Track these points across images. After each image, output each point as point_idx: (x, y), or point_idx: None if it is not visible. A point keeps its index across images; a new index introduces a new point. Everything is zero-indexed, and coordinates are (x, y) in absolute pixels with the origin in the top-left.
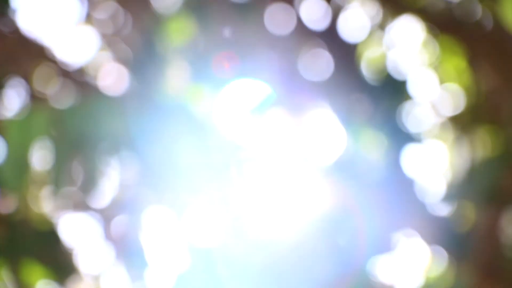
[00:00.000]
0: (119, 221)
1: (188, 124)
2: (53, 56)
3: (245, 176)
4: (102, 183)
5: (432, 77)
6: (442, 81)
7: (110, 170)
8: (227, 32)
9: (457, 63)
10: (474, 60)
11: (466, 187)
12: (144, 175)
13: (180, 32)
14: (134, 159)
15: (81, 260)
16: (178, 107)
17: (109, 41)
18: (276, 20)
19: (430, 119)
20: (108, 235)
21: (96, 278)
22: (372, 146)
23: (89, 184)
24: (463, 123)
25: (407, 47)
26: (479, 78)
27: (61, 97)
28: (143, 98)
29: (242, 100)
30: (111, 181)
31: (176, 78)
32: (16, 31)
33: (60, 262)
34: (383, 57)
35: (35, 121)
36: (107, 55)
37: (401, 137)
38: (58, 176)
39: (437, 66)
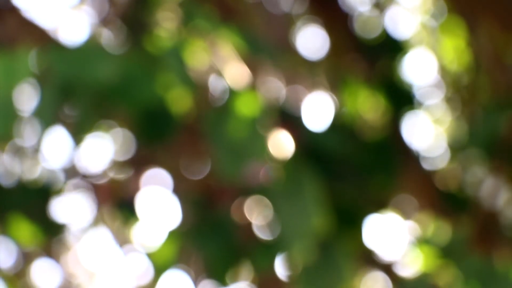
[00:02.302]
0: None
1: (179, 73)
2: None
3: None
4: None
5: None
6: (441, 61)
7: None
8: None
9: (457, 42)
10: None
11: (465, 141)
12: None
13: None
14: (124, 108)
15: (70, 218)
16: (169, 55)
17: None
18: None
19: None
20: (98, 192)
21: (85, 236)
22: (369, 106)
23: (78, 133)
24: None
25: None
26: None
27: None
28: (133, 46)
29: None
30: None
31: (167, 27)
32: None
33: (48, 219)
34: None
35: (20, 61)
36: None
37: (399, 97)
38: (46, 123)
39: (435, 46)
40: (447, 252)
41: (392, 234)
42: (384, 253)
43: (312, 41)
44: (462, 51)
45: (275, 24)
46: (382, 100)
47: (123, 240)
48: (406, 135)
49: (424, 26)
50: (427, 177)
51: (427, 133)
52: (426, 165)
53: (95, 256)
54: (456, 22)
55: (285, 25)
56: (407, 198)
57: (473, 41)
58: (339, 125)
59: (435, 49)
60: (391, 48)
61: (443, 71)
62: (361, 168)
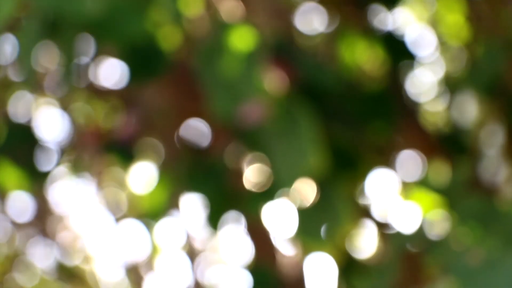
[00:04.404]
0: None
1: (169, 7)
2: None
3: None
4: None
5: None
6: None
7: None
8: None
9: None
10: None
11: (466, 80)
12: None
13: None
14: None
15: (58, 161)
16: None
17: None
18: None
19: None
20: (86, 134)
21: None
22: (368, 58)
23: (64, 74)
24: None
25: None
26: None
27: None
28: None
29: None
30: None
31: None
32: None
33: (36, 164)
34: None
35: None
36: None
37: (398, 49)
38: (28, 62)
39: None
40: (446, 195)
41: (388, 186)
42: (379, 205)
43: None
44: (461, 26)
45: None
46: (380, 52)
47: (115, 206)
48: (404, 85)
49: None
50: (425, 124)
51: (425, 82)
52: (423, 112)
53: (88, 226)
54: None
55: None
56: (405, 145)
57: (473, 16)
58: (337, 72)
59: (434, 24)
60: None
61: (443, 46)
62: (359, 114)
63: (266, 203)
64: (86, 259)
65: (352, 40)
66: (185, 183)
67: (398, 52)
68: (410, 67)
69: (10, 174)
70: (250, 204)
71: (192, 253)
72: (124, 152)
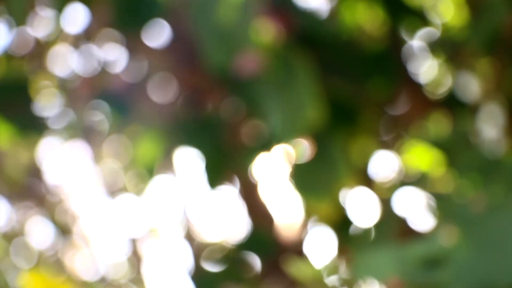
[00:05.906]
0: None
1: None
2: None
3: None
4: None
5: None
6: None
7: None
8: None
9: None
10: None
11: (467, 36)
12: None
13: None
14: None
15: (51, 117)
16: None
17: None
18: None
19: None
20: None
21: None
22: (368, 18)
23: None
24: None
25: None
26: None
27: None
28: None
29: None
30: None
31: None
32: None
33: (30, 121)
34: None
35: None
36: None
37: (398, 9)
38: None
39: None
40: (446, 149)
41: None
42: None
43: None
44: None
45: None
46: (380, 12)
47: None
48: (404, 46)
49: None
50: (424, 83)
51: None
52: (423, 72)
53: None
54: None
55: None
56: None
57: None
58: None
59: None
60: None
61: (444, 28)
62: (358, 70)
63: (262, 156)
64: (84, 238)
65: (353, 0)
66: (180, 138)
67: (398, 13)
68: (411, 28)
69: (2, 129)
70: (246, 159)
71: (188, 228)
72: (118, 103)
